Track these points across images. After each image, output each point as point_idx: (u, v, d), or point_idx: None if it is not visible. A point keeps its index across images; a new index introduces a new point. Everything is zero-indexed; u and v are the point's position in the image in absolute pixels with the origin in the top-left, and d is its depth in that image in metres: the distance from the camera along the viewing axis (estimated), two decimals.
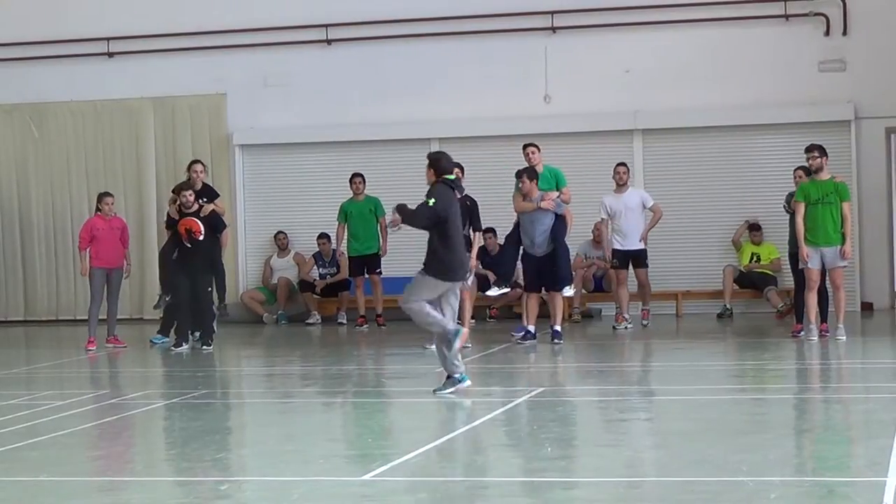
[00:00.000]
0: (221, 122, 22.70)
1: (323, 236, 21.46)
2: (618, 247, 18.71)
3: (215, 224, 17.48)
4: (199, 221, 17.10)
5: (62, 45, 22.97)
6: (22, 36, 23.12)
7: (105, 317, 18.18)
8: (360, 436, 11.02)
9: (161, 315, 18.45)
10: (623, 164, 19.09)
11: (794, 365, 15.07)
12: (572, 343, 17.35)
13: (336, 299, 21.42)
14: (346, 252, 20.44)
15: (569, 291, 17.15)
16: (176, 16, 22.63)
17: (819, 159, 16.26)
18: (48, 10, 23.09)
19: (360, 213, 20.10)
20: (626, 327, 18.61)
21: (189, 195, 17.28)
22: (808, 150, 16.42)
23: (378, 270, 20.07)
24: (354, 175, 20.32)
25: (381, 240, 20.04)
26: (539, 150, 17.03)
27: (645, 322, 18.95)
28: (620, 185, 18.77)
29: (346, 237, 20.26)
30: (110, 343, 18.05)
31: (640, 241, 18.65)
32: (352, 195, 20.27)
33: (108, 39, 22.87)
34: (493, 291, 17.24)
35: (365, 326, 19.84)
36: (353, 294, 20.61)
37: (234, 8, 22.51)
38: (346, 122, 22.11)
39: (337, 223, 20.34)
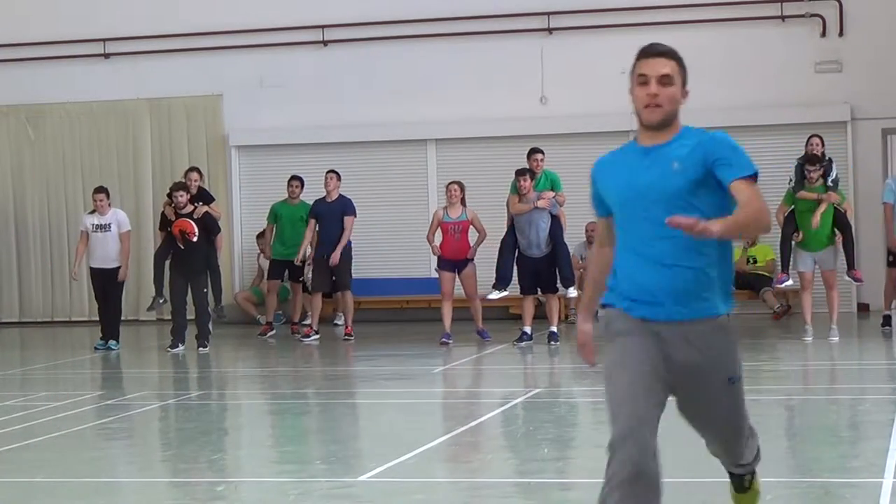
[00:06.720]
0: (218, 124, 22.67)
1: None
2: None
3: (209, 226, 17.47)
4: (192, 223, 17.13)
5: (58, 46, 22.93)
6: (17, 37, 23.07)
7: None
8: (356, 437, 11.02)
9: (153, 314, 18.42)
10: None
11: (790, 366, 15.08)
12: (568, 344, 17.34)
13: (332, 300, 21.36)
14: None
15: (573, 292, 17.14)
16: (172, 17, 22.60)
17: (818, 173, 16.32)
18: (43, 12, 23.04)
19: (290, 217, 19.40)
20: None
21: (181, 195, 17.27)
22: (811, 162, 16.38)
23: (301, 279, 19.49)
24: (292, 178, 19.66)
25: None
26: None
27: None
28: None
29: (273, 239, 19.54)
30: None
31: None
32: (286, 197, 19.59)
33: (103, 40, 22.83)
34: (494, 295, 17.13)
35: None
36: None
37: (230, 9, 22.48)
38: (343, 123, 22.09)
39: (266, 223, 19.79)
